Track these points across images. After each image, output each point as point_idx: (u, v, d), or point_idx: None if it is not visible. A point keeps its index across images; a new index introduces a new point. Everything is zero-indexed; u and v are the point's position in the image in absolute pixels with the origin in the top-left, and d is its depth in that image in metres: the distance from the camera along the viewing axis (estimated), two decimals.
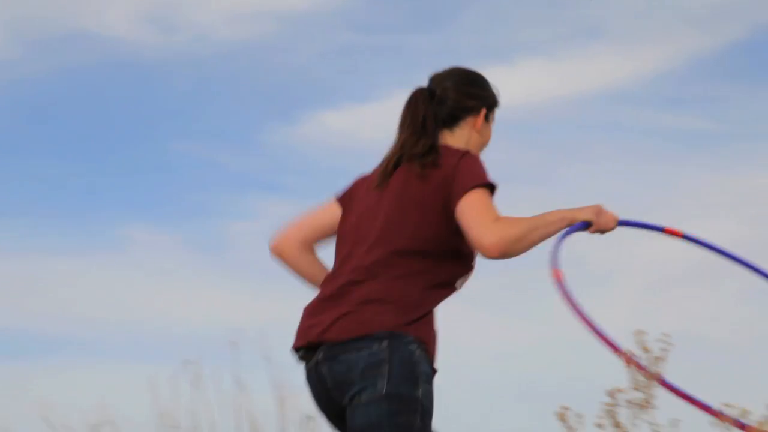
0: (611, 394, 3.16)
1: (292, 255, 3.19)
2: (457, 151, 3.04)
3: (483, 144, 3.20)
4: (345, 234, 3.07)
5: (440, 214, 2.95)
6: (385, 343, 2.83)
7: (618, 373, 3.31)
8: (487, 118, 3.18)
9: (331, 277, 3.01)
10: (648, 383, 3.10)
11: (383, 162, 3.09)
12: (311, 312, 2.97)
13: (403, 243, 2.95)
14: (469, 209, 2.90)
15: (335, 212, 3.15)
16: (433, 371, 2.90)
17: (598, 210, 3.10)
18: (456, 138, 3.13)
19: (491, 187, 2.96)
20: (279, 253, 3.20)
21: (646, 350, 3.17)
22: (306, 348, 2.92)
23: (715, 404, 2.98)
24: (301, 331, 2.96)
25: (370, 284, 2.91)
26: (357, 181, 3.19)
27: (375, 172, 3.12)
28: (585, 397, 3.43)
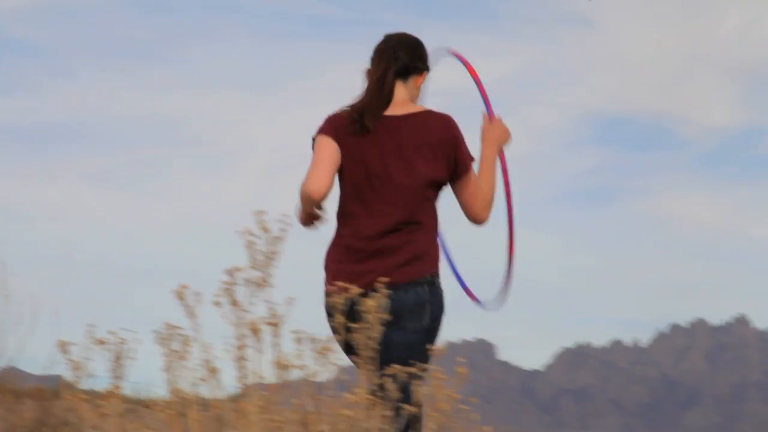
0: (230, 272, 3.21)
1: (325, 199, 3.95)
2: (444, 115, 4.13)
3: (418, 97, 4.19)
4: (363, 187, 4.00)
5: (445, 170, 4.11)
6: (426, 288, 3.96)
7: (237, 253, 3.38)
8: (424, 79, 4.21)
9: (364, 229, 3.98)
10: (266, 262, 3.18)
11: (368, 112, 4.04)
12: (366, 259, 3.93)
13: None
14: (475, 183, 4.09)
15: (338, 150, 4.00)
16: None
17: (500, 129, 4.23)
18: (407, 88, 4.16)
19: None
20: (320, 199, 3.93)
21: (265, 230, 3.24)
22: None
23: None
24: (358, 275, 3.85)
25: (411, 243, 3.98)
26: (338, 120, 4.04)
27: (356, 117, 4.03)
28: (205, 276, 3.47)
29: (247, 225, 3.25)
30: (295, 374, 3.09)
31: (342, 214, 4.04)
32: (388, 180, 4.01)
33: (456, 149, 4.08)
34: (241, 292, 3.22)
